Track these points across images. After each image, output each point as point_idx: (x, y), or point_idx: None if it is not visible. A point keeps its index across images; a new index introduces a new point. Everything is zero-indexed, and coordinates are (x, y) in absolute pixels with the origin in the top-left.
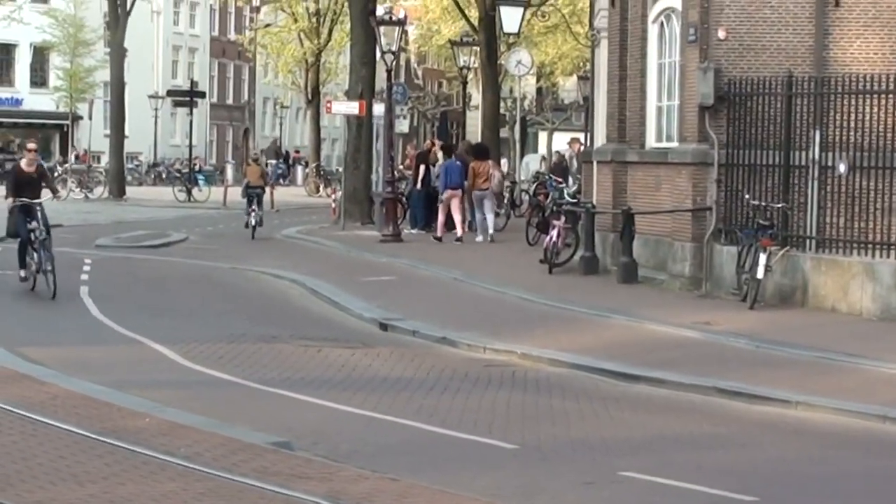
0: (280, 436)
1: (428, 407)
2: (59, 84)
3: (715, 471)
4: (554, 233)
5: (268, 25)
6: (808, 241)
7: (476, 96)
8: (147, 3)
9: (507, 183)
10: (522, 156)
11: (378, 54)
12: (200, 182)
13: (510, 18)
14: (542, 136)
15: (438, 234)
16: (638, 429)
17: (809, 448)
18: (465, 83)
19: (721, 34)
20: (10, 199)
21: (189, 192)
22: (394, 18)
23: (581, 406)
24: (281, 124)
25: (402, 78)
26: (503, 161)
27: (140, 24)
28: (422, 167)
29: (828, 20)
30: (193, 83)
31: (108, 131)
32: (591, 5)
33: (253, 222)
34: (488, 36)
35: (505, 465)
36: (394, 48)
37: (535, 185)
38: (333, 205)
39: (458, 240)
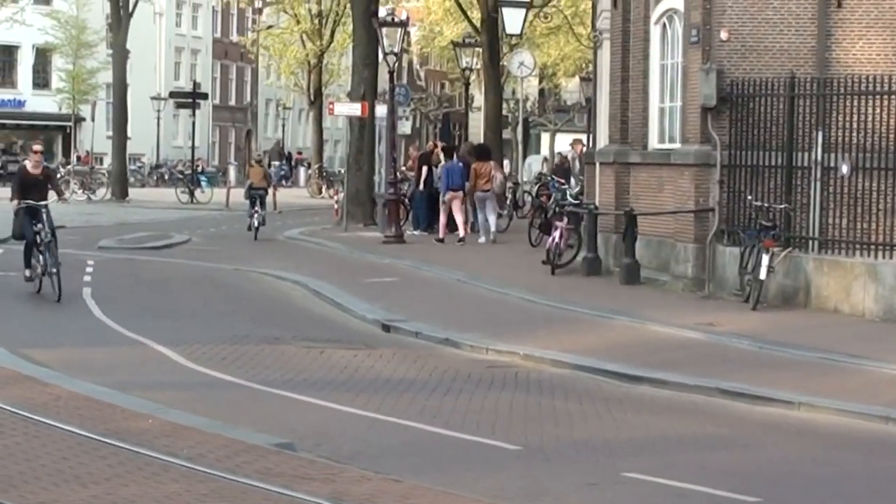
0: (283, 437)
1: (431, 408)
2: (62, 86)
3: (718, 472)
4: (556, 234)
5: (270, 27)
6: (810, 242)
7: (478, 98)
8: (149, 4)
9: (509, 184)
10: (525, 157)
11: (380, 56)
12: (203, 183)
13: (512, 20)
14: (545, 138)
15: (441, 235)
16: (641, 430)
17: (812, 449)
18: (467, 84)
19: (723, 35)
20: (15, 202)
21: (192, 194)
22: (396, 20)
23: (584, 407)
24: (283, 126)
25: (404, 79)
26: (505, 162)
27: (142, 26)
28: (424, 168)
29: (830, 21)
30: (196, 85)
31: (110, 133)
32: (594, 7)
33: (256, 224)
34: (491, 37)
35: (508, 467)
36: (396, 49)
37: (538, 186)
38: (336, 206)
39: (461, 241)
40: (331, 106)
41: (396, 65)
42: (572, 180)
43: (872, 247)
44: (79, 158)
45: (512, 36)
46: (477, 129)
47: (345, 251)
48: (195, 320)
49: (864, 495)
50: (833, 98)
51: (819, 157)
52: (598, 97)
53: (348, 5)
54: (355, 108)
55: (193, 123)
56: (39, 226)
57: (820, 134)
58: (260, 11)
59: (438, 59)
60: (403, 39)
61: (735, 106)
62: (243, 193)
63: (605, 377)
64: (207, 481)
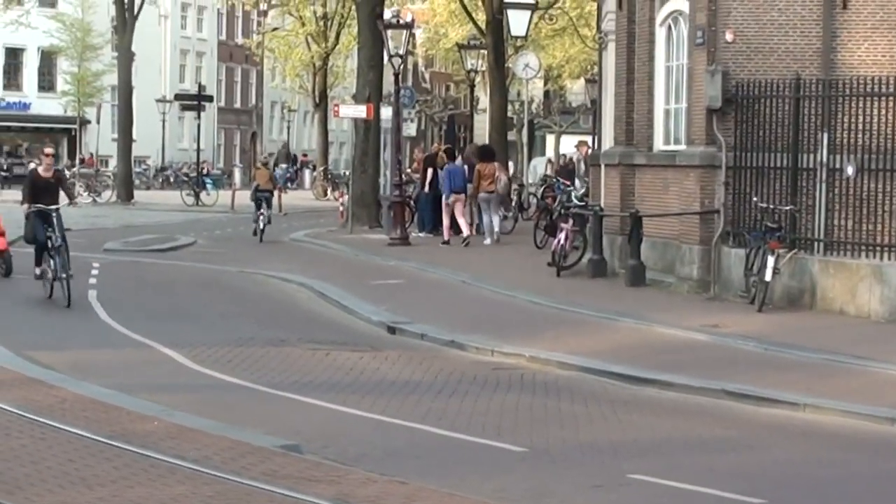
0: (289, 439)
1: (436, 410)
2: (67, 88)
3: (724, 473)
4: (562, 236)
5: (275, 29)
6: (816, 244)
7: (484, 100)
8: (154, 7)
9: (514, 186)
10: (530, 159)
11: (385, 58)
12: (208, 186)
13: (518, 22)
14: (550, 140)
15: (445, 237)
16: (646, 432)
17: (818, 450)
18: (472, 86)
19: (729, 37)
20: (26, 206)
21: (197, 196)
22: (401, 22)
23: (589, 409)
24: (288, 128)
25: (409, 81)
26: (510, 164)
27: (147, 29)
28: (429, 170)
29: (835, 23)
30: (201, 87)
31: (115, 135)
32: (599, 8)
33: (261, 226)
34: (496, 39)
35: (513, 469)
36: (401, 52)
37: (543, 188)
38: (341, 208)
39: (465, 242)
40: (336, 108)
41: (401, 67)
42: (577, 182)
43: (878, 248)
44: (82, 161)
45: (517, 38)
46: (482, 131)
47: (350, 253)
48: (200, 322)
49: (870, 497)
50: (838, 99)
51: (824, 159)
52: (603, 99)
53: (353, 7)
54: (360, 111)
55: (198, 126)
56: (50, 231)
57: (825, 135)
58: (265, 14)
59: (443, 61)
60: (408, 41)
61: (740, 107)
62: (249, 195)
63: (610, 379)
64: (213, 483)
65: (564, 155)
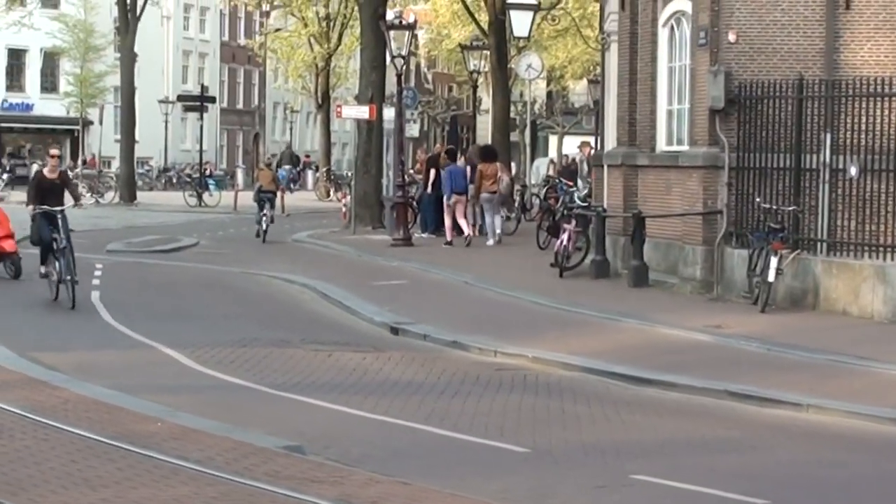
0: (291, 440)
1: (439, 411)
2: (70, 89)
3: (726, 474)
4: (564, 236)
5: (278, 30)
6: (819, 245)
7: (486, 100)
8: (157, 8)
9: (517, 187)
10: (533, 159)
11: (388, 59)
12: (211, 187)
13: (520, 22)
14: (553, 140)
15: (448, 238)
16: (649, 432)
17: (821, 451)
18: (475, 87)
19: (731, 37)
20: (31, 207)
21: (200, 197)
22: (404, 23)
23: (592, 410)
24: (291, 129)
25: (412, 82)
26: (512, 165)
27: (150, 29)
28: (432, 171)
29: (838, 23)
30: (204, 88)
31: (118, 136)
32: (602, 9)
33: (264, 227)
34: (498, 40)
35: (516, 469)
36: (404, 52)
37: (546, 188)
38: (344, 209)
39: (467, 242)
40: (338, 109)
41: (404, 68)
42: (580, 183)
43: (881, 249)
44: (85, 162)
45: (520, 38)
46: (485, 132)
47: (353, 254)
48: (203, 323)
49: (874, 497)
50: (841, 100)
51: (827, 160)
52: (605, 99)
53: (356, 8)
54: (363, 112)
55: (201, 127)
56: (55, 232)
57: (828, 136)
58: (267, 15)
59: (446, 62)
60: (411, 42)
61: (743, 108)
62: (252, 196)
63: (613, 379)
64: (216, 484)
65: (567, 155)
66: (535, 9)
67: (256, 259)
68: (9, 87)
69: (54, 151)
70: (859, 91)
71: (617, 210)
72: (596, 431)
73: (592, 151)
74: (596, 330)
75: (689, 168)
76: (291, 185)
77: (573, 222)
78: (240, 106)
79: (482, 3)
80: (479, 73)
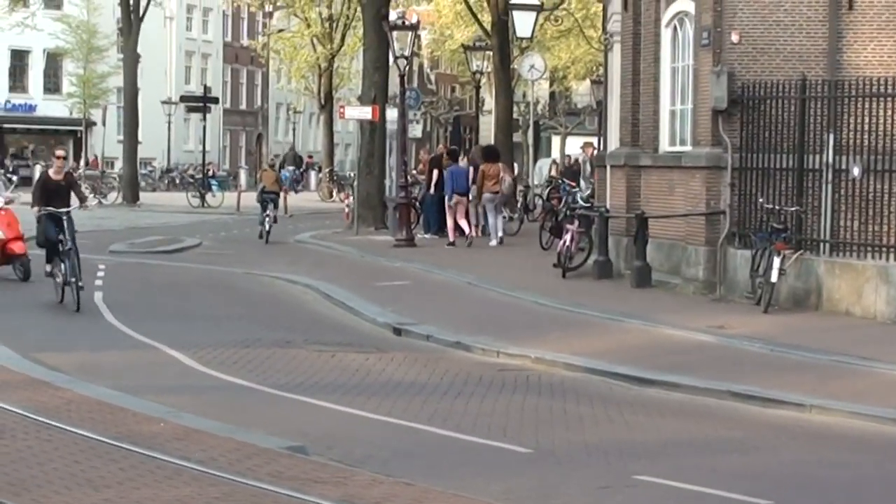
0: (294, 440)
1: (442, 411)
2: (73, 90)
3: (729, 474)
4: (567, 237)
5: (281, 31)
6: (821, 245)
7: (489, 101)
8: (160, 9)
9: (520, 187)
10: (536, 160)
11: (391, 59)
12: (214, 187)
13: (523, 23)
14: (556, 141)
15: (451, 238)
16: (652, 433)
17: (824, 452)
18: (478, 88)
19: (734, 38)
20: (36, 209)
21: (202, 198)
22: (406, 23)
23: (595, 410)
24: (294, 129)
25: (415, 83)
26: (515, 165)
27: (153, 30)
28: (435, 172)
29: (841, 23)
30: (206, 89)
31: (121, 137)
32: (604, 9)
33: (267, 227)
34: (501, 40)
35: (519, 470)
36: (407, 53)
37: (549, 189)
38: (347, 210)
39: (468, 242)
40: (341, 110)
41: (407, 68)
42: (583, 183)
43: (884, 249)
44: (87, 163)
45: (522, 39)
46: (487, 133)
47: (356, 255)
48: (206, 324)
49: (877, 498)
50: (844, 100)
51: (830, 160)
52: (608, 100)
53: (359, 9)
54: (366, 112)
55: (204, 127)
56: (61, 234)
57: (831, 136)
58: (270, 15)
59: (449, 63)
60: (414, 43)
61: (746, 108)
62: (255, 197)
63: (616, 380)
64: (219, 484)
65: (570, 156)
66: (538, 9)
67: (259, 260)
68: (12, 88)
69: (60, 152)
70: (862, 91)
71: (620, 210)
72: (599, 432)
73: (595, 152)
74: (599, 330)
75: (692, 168)
76: (296, 186)
77: (576, 223)
78: (243, 107)
79: (485, 4)
80: (481, 73)
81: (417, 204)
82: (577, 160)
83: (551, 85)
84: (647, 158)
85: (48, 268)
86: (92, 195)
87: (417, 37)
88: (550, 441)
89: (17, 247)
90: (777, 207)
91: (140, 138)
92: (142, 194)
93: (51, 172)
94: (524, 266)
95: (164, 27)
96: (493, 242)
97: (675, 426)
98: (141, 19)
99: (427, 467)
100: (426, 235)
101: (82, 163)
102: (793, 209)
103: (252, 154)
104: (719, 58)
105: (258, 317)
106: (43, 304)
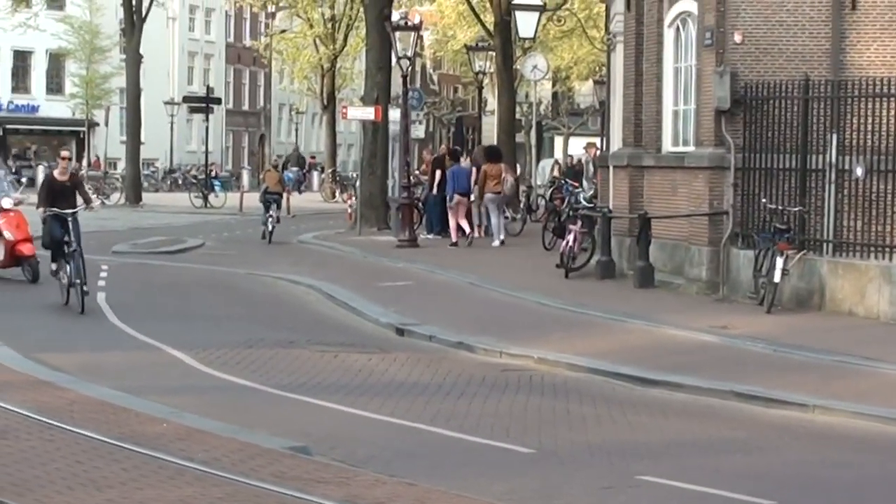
0: (297, 441)
1: (445, 411)
2: (75, 91)
3: (733, 475)
4: (570, 237)
5: (283, 31)
6: (825, 245)
7: (492, 101)
8: (162, 9)
9: (523, 188)
10: (538, 160)
11: (393, 60)
12: (217, 188)
13: (525, 23)
14: (559, 141)
15: (453, 239)
16: (655, 433)
17: (827, 452)
18: (480, 88)
19: (737, 38)
20: (42, 210)
21: (205, 198)
22: (409, 24)
23: (598, 410)
24: (297, 130)
25: (417, 83)
26: (517, 165)
27: (155, 31)
28: (438, 172)
29: (844, 24)
30: (209, 89)
31: (124, 138)
32: (607, 10)
33: (269, 228)
34: (504, 41)
35: (522, 470)
36: (409, 53)
37: (552, 189)
38: (349, 210)
39: (469, 242)
40: (344, 110)
41: (409, 69)
42: (585, 183)
43: (887, 249)
44: (90, 164)
45: (525, 39)
46: (490, 133)
47: (358, 255)
48: (209, 324)
49: (880, 498)
50: (847, 100)
51: (833, 160)
52: (611, 100)
53: (361, 10)
54: (369, 113)
55: (207, 128)
56: (66, 235)
57: (834, 136)
58: (273, 16)
59: (451, 63)
60: (416, 43)
61: (749, 109)
62: (258, 197)
63: (619, 380)
64: (222, 485)
65: (572, 156)
66: (541, 10)
67: (262, 260)
68: (14, 89)
69: (65, 153)
70: (865, 91)
71: (622, 211)
72: (602, 432)
73: (598, 152)
74: (601, 331)
75: (695, 169)
76: (300, 187)
77: (579, 223)
78: (245, 107)
79: (488, 4)
80: (484, 73)
81: (420, 204)
82: (579, 160)
83: (554, 85)
84: (650, 159)
85: (53, 266)
86: (95, 196)
87: (420, 37)
88: (553, 441)
89: (26, 248)
90: (780, 208)
91: (143, 139)
92: (144, 195)
93: (56, 173)
94: (527, 266)
95: (166, 28)
96: (496, 243)
97: (678, 426)
98: (143, 20)
99: (430, 467)
100: (429, 236)
101: (85, 163)
102: (796, 209)
103: (254, 155)
104: (722, 58)
105: (261, 317)
106: (47, 305)
